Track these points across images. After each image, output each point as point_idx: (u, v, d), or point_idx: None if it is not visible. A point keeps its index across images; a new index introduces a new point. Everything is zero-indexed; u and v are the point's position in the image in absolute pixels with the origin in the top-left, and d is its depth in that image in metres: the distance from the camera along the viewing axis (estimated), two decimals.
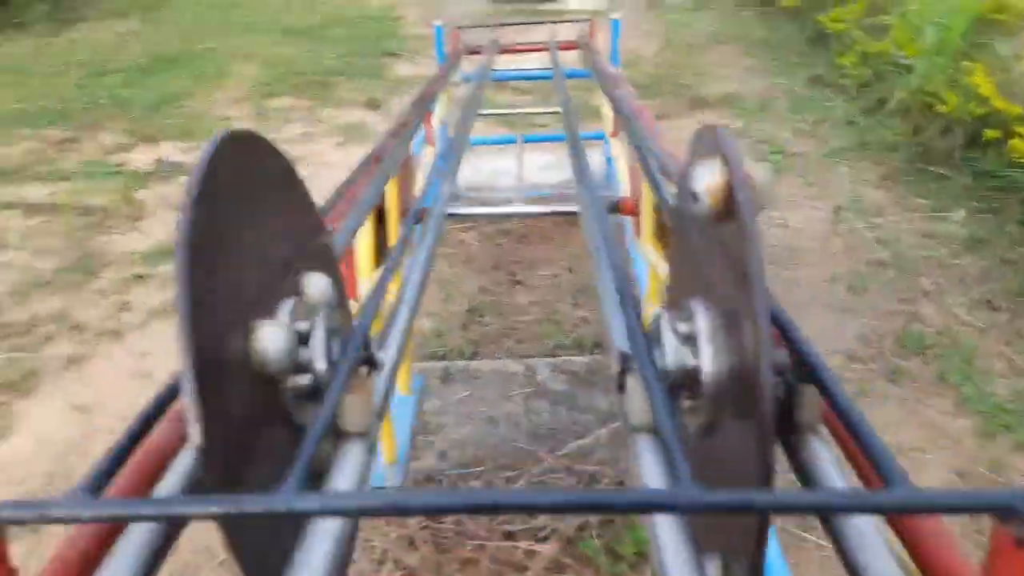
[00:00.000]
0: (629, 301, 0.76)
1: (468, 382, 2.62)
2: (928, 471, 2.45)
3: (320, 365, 0.60)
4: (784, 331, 0.67)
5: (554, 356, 2.86)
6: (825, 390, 0.57)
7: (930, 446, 2.54)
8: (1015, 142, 3.53)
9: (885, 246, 3.58)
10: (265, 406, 0.58)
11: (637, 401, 0.60)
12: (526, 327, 3.10)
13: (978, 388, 2.75)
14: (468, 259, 3.57)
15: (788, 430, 0.59)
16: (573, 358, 2.79)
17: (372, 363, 0.71)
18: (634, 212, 2.13)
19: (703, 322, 0.59)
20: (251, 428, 0.55)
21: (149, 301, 3.35)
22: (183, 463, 0.55)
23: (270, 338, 0.56)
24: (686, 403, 0.62)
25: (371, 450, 0.62)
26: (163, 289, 3.45)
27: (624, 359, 0.64)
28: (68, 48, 6.57)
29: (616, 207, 2.09)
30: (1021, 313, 3.10)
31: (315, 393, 0.60)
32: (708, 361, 0.58)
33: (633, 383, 0.61)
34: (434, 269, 3.42)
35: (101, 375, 2.90)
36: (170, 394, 0.60)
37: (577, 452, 2.34)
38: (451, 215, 1.87)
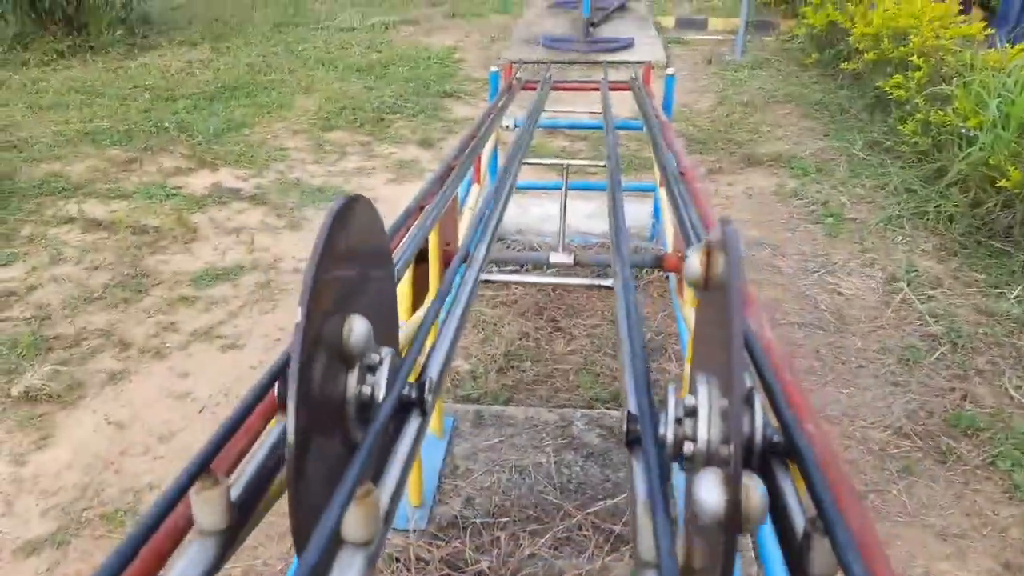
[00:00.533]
0: (642, 367, 0.81)
1: (500, 428, 2.59)
2: (972, 560, 2.34)
3: (380, 394, 0.73)
4: (777, 409, 0.71)
5: (590, 408, 2.82)
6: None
7: (975, 534, 2.43)
8: None
9: (939, 320, 3.48)
10: (333, 422, 0.70)
11: (646, 540, 0.61)
12: (563, 375, 3.07)
13: None
14: (510, 302, 3.56)
15: None
16: (609, 412, 2.74)
17: (422, 404, 0.80)
18: (676, 269, 2.10)
19: (703, 397, 0.64)
20: (323, 435, 0.67)
21: (193, 323, 3.39)
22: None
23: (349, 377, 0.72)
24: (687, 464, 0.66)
25: (372, 563, 0.61)
26: (208, 311, 3.50)
27: (631, 419, 0.71)
28: (139, 73, 6.79)
29: (660, 262, 2.06)
30: None
31: (367, 419, 0.73)
32: (702, 434, 0.63)
33: (644, 520, 0.61)
34: (476, 309, 3.42)
35: (140, 392, 2.93)
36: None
37: (606, 511, 2.28)
38: (485, 281, 1.86)
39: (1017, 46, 4.87)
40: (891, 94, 5.29)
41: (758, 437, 0.64)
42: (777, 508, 0.66)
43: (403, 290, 1.73)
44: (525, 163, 2.40)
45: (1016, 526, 2.44)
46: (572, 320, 3.43)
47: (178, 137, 5.46)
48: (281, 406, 0.68)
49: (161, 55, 7.35)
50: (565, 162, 2.66)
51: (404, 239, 1.43)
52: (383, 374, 0.74)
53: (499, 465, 2.40)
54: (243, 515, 0.67)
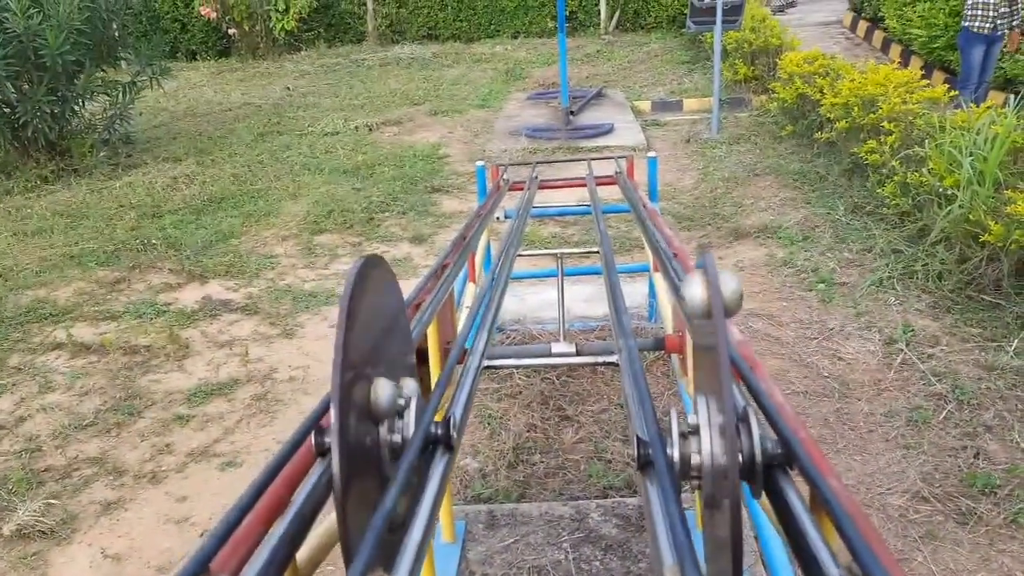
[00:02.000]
0: (647, 396, 0.87)
1: (515, 527, 2.51)
2: None
3: (408, 434, 0.81)
4: (772, 420, 0.77)
5: (604, 497, 2.75)
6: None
7: None
8: None
9: (942, 378, 3.46)
10: (370, 460, 0.78)
11: (667, 560, 0.62)
12: (574, 465, 3.00)
13: None
14: (515, 394, 3.51)
15: None
16: (625, 500, 2.67)
17: (448, 443, 0.87)
18: (679, 350, 2.08)
19: (703, 415, 0.69)
20: (360, 471, 0.75)
21: (189, 443, 3.32)
22: None
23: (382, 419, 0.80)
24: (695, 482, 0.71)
25: None
26: (203, 430, 3.43)
27: (640, 444, 0.76)
28: (124, 193, 6.85)
29: (661, 344, 2.04)
30: None
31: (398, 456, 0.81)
32: (705, 448, 0.68)
33: (664, 540, 0.63)
34: (481, 404, 3.37)
35: (137, 521, 2.84)
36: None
37: None
38: (488, 367, 1.84)
39: (982, 106, 5.00)
40: (866, 159, 5.40)
41: (758, 451, 0.69)
42: (786, 518, 0.70)
43: None
44: (520, 255, 2.40)
45: None
46: (579, 407, 3.38)
47: (166, 253, 5.47)
48: (320, 454, 0.82)
49: (146, 173, 7.44)
50: (559, 251, 2.67)
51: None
52: (411, 415, 0.83)
53: (516, 567, 2.32)
54: None
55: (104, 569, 2.62)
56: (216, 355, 4.10)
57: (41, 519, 2.82)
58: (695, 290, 0.68)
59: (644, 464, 0.76)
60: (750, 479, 0.71)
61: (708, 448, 0.68)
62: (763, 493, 0.73)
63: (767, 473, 0.73)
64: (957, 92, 6.20)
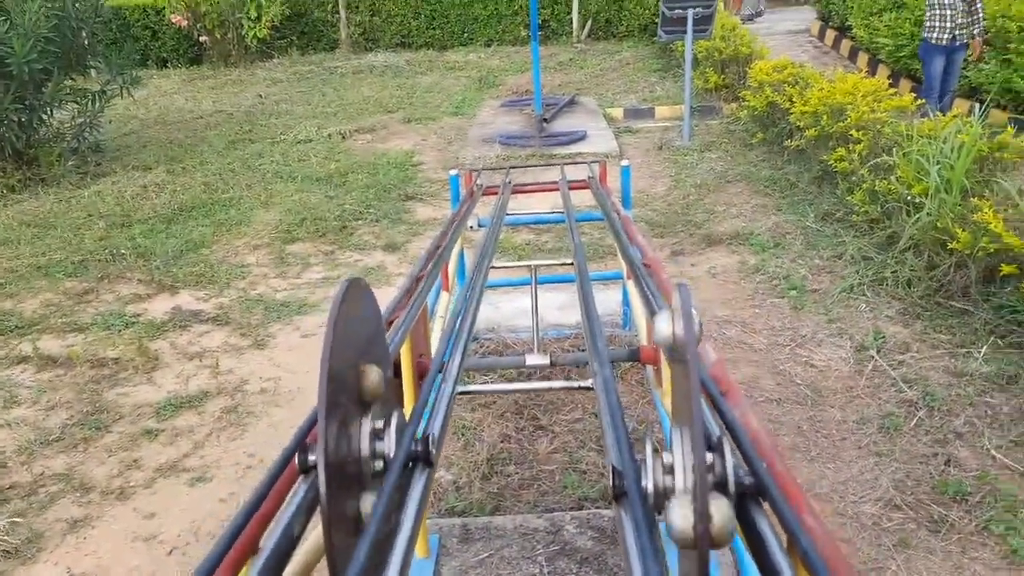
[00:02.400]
0: (621, 426, 0.89)
1: (489, 540, 2.50)
2: None
3: (390, 452, 0.84)
4: (744, 452, 0.78)
5: (579, 509, 2.74)
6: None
7: None
8: None
9: (912, 385, 3.49)
10: (357, 480, 0.81)
11: None
12: (549, 476, 2.99)
13: None
14: (489, 403, 3.50)
15: None
16: (600, 511, 2.67)
17: (428, 459, 0.90)
18: (653, 361, 2.08)
19: (677, 447, 0.69)
20: (345, 487, 0.78)
21: (157, 458, 3.27)
22: None
23: (363, 435, 0.83)
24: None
25: None
26: (172, 444, 3.38)
27: (616, 474, 0.78)
28: (92, 202, 6.75)
29: (636, 355, 2.04)
30: None
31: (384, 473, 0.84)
32: (679, 480, 0.68)
33: (637, 568, 0.63)
34: (456, 416, 3.35)
35: (105, 539, 2.79)
36: None
37: None
38: (463, 393, 1.82)
39: (948, 114, 5.07)
40: (836, 167, 5.46)
41: (731, 481, 0.71)
42: (757, 548, 0.72)
43: None
44: (493, 267, 2.39)
45: None
46: (553, 417, 3.37)
47: (135, 263, 5.39)
48: (304, 472, 0.85)
49: (115, 182, 7.34)
50: (533, 263, 2.66)
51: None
52: (391, 434, 0.86)
53: None
54: None
55: None
56: (186, 367, 4.04)
57: (5, 538, 2.76)
58: (664, 326, 0.70)
59: (619, 495, 0.77)
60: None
61: (681, 481, 0.68)
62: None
63: (740, 503, 0.74)
64: (923, 101, 6.30)
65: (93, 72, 8.49)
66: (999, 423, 3.20)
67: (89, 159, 7.96)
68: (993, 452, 3.03)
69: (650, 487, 0.71)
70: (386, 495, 0.75)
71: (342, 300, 0.79)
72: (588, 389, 1.79)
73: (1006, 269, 3.79)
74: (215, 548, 0.74)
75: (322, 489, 0.70)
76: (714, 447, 0.72)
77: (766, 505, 0.75)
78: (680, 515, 0.61)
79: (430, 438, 0.92)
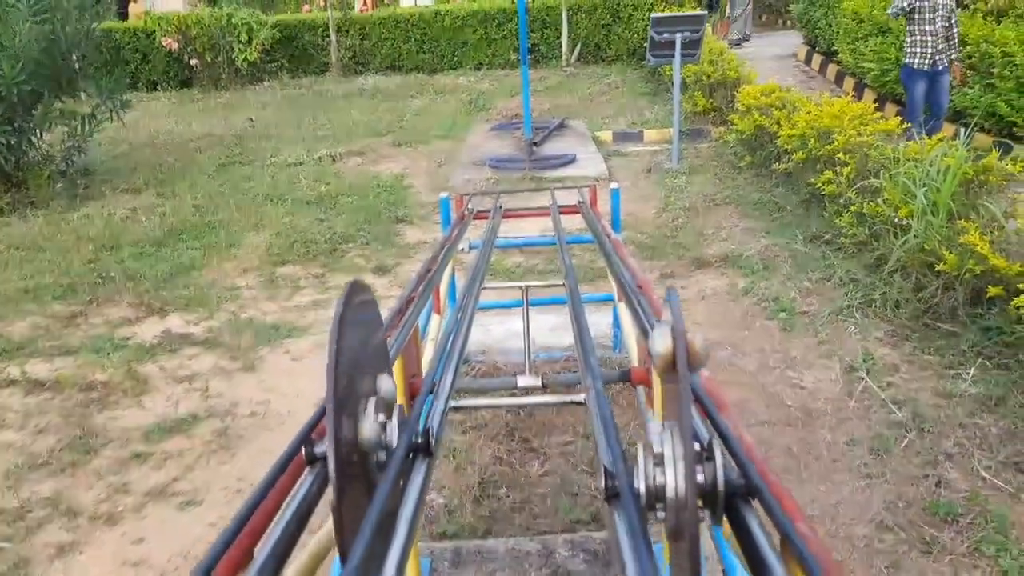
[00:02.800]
0: (614, 436, 0.90)
1: (481, 564, 2.48)
2: None
3: (393, 443, 0.88)
4: (735, 454, 0.81)
5: (572, 531, 2.73)
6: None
7: None
8: (1020, 300, 3.53)
9: (902, 406, 3.51)
10: (361, 469, 0.85)
11: None
12: (541, 499, 2.98)
13: (1016, 560, 2.61)
14: (480, 426, 3.49)
15: None
16: (592, 534, 2.66)
17: (428, 450, 0.95)
18: (645, 382, 2.09)
19: (668, 447, 0.71)
20: (353, 479, 0.82)
21: (146, 482, 3.24)
22: None
23: (368, 429, 0.86)
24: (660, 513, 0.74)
25: None
26: (162, 468, 3.35)
27: (607, 475, 0.78)
28: (81, 224, 6.74)
29: (627, 377, 2.05)
30: None
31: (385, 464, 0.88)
32: (670, 480, 0.70)
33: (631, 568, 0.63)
34: (447, 438, 3.34)
35: (92, 565, 2.76)
36: None
37: None
38: (456, 408, 1.82)
39: (934, 137, 5.14)
40: (823, 190, 5.51)
41: (720, 482, 0.73)
42: (748, 547, 0.73)
43: None
44: (485, 287, 2.40)
45: None
46: (544, 439, 3.37)
47: (124, 286, 5.37)
48: (310, 462, 0.90)
49: (104, 204, 7.33)
50: (524, 284, 2.67)
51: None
52: (394, 424, 0.91)
53: None
54: None
55: None
56: (175, 390, 4.02)
57: None
58: (660, 342, 0.72)
59: (611, 496, 0.78)
60: (712, 508, 0.74)
61: (672, 479, 0.70)
62: (728, 524, 0.77)
63: (730, 503, 0.76)
64: (908, 125, 6.37)
65: (83, 95, 8.50)
66: (988, 444, 3.21)
67: (78, 182, 7.95)
68: (983, 473, 3.04)
69: (642, 487, 0.73)
70: (389, 481, 0.78)
71: (346, 300, 0.84)
72: (580, 404, 1.80)
73: (993, 291, 3.83)
74: (220, 539, 0.75)
75: (331, 467, 0.75)
76: (704, 447, 0.74)
77: (756, 505, 0.76)
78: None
79: (431, 430, 0.97)
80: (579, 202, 3.35)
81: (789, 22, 16.84)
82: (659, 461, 0.73)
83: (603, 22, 14.22)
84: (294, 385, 3.99)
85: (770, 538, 0.72)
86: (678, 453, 0.69)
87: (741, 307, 4.66)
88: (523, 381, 2.10)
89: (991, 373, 3.69)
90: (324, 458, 0.88)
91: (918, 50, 7.00)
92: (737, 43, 14.95)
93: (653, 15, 7.76)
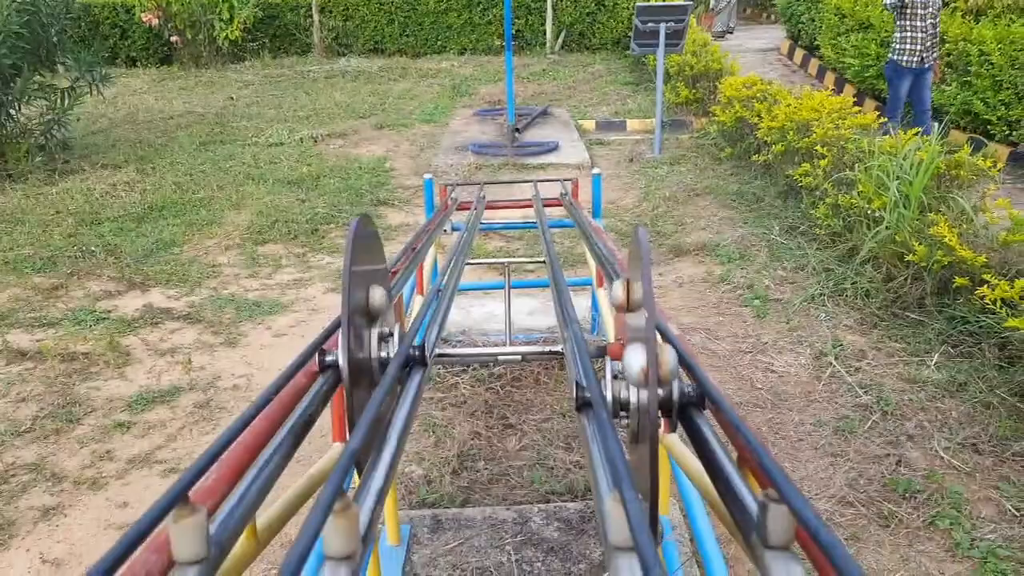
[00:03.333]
0: (584, 350, 1.05)
1: (459, 531, 2.57)
2: None
3: (393, 352, 1.07)
4: (688, 367, 0.91)
5: (546, 502, 2.82)
6: (794, 510, 0.63)
7: None
8: (984, 290, 3.66)
9: (868, 390, 3.63)
10: (367, 378, 1.05)
11: (617, 520, 0.64)
12: (517, 472, 3.07)
13: (968, 534, 2.73)
14: (460, 403, 3.57)
15: (763, 547, 0.63)
16: (566, 504, 2.75)
17: (423, 361, 1.11)
18: (620, 358, 2.17)
19: (629, 359, 0.81)
20: (359, 382, 1.00)
21: (130, 450, 3.29)
22: None
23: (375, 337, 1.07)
24: (624, 421, 0.86)
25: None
26: (145, 437, 3.40)
27: (579, 387, 0.89)
28: (61, 199, 6.71)
29: (603, 352, 2.13)
30: (1005, 457, 3.12)
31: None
32: (631, 388, 0.81)
33: (613, 506, 0.66)
34: (426, 413, 3.42)
35: (77, 527, 2.81)
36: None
37: None
38: (440, 355, 1.89)
39: (910, 132, 5.26)
40: (800, 182, 5.62)
41: (676, 393, 0.85)
42: (700, 446, 0.84)
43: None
44: (468, 263, 2.47)
45: None
46: (522, 416, 3.45)
47: (105, 260, 5.39)
48: (322, 368, 1.02)
49: (84, 179, 7.30)
50: (506, 261, 2.74)
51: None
52: (395, 339, 1.10)
53: (460, 569, 2.37)
54: (221, 550, 0.69)
55: (43, 575, 2.58)
56: (158, 363, 4.06)
57: None
58: (620, 287, 0.87)
59: (582, 405, 0.89)
60: (667, 414, 0.86)
61: (639, 391, 0.81)
62: (682, 428, 0.89)
63: (684, 411, 0.87)
64: (886, 120, 6.48)
65: (62, 69, 8.43)
66: (948, 427, 3.34)
67: (57, 156, 7.90)
68: (941, 453, 3.17)
69: (609, 397, 0.84)
70: (390, 377, 0.90)
71: (357, 229, 0.99)
72: (559, 355, 1.88)
73: (959, 281, 3.96)
74: (233, 424, 0.79)
75: (342, 360, 0.92)
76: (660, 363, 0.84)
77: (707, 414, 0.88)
78: (635, 358, 0.77)
79: (425, 344, 1.11)
80: (561, 194, 3.42)
81: (773, 16, 16.97)
82: (623, 378, 0.84)
83: (588, 10, 14.27)
84: (276, 360, 4.04)
85: (719, 438, 0.83)
86: (640, 365, 0.79)
87: (717, 294, 4.77)
88: (503, 350, 2.18)
89: (955, 360, 3.82)
90: (335, 365, 1.00)
91: (907, 46, 7.02)
92: (720, 35, 15.05)
93: (638, 4, 7.83)
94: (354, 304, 0.98)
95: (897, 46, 7.14)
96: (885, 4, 7.15)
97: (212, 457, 0.76)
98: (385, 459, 0.99)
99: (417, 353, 1.09)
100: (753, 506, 0.70)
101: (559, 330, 1.46)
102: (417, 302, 3.02)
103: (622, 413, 0.86)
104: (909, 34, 7.02)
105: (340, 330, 0.94)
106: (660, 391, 0.83)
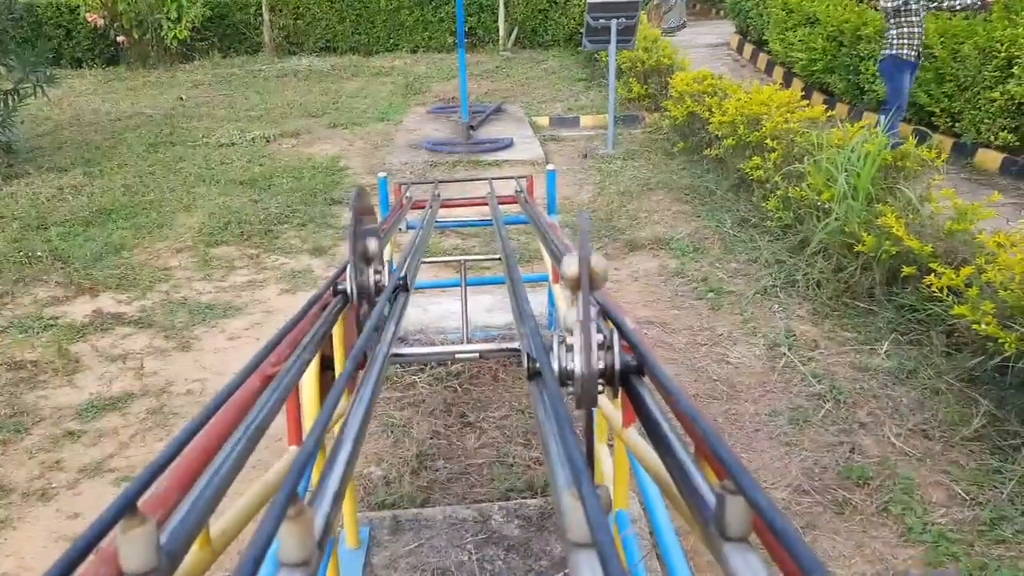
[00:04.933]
0: (531, 323, 1.18)
1: (419, 531, 2.56)
2: None
3: (385, 283, 1.61)
4: (628, 340, 0.99)
5: (506, 499, 2.82)
6: (753, 503, 0.64)
7: None
8: (931, 278, 3.75)
9: (821, 380, 3.70)
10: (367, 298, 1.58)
11: (576, 516, 0.65)
12: (477, 470, 3.06)
13: (920, 518, 2.80)
14: (418, 402, 3.55)
15: (721, 538, 0.64)
16: (526, 501, 2.75)
17: (406, 287, 1.62)
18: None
19: (576, 337, 0.91)
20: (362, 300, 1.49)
21: (80, 459, 3.22)
22: None
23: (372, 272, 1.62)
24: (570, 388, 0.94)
25: None
26: (96, 445, 3.32)
27: (531, 359, 0.99)
28: (5, 203, 6.52)
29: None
30: (954, 442, 3.20)
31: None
32: (577, 360, 0.90)
33: (571, 503, 0.66)
34: (384, 413, 3.39)
35: (26, 540, 2.74)
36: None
37: None
38: (396, 355, 1.88)
39: (856, 124, 5.36)
40: (752, 175, 5.70)
41: (617, 362, 0.95)
42: (640, 409, 0.93)
43: (310, 396, 1.73)
44: (424, 261, 2.46)
45: (915, 567, 2.58)
46: (481, 414, 3.45)
47: (52, 265, 5.25)
48: (335, 294, 1.47)
49: (29, 183, 7.10)
50: (463, 258, 2.74)
51: (306, 337, 1.31)
52: (385, 275, 1.62)
53: (421, 570, 2.36)
54: (172, 560, 0.67)
55: None
56: (109, 369, 3.97)
57: None
58: (569, 264, 0.93)
59: (533, 375, 1.00)
60: (610, 382, 0.95)
61: (580, 360, 0.90)
62: (624, 395, 0.99)
63: (625, 378, 0.96)
64: (886, 119, 6.42)
65: (4, 70, 8.20)
66: (899, 414, 3.42)
67: (1, 160, 7.68)
68: (893, 440, 3.24)
69: (556, 367, 0.93)
70: (385, 295, 1.39)
71: (358, 196, 1.52)
72: (516, 351, 1.89)
73: (907, 271, 4.05)
74: (185, 428, 0.78)
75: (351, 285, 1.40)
76: (604, 336, 0.95)
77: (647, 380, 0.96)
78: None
79: (407, 276, 1.63)
80: (517, 191, 3.42)
81: (722, 11, 17.17)
82: (569, 349, 0.93)
83: (540, 7, 14.30)
84: (230, 364, 3.98)
85: (659, 405, 0.91)
86: (582, 341, 0.90)
87: (672, 287, 4.81)
88: (461, 348, 2.17)
89: (904, 348, 3.91)
90: (345, 292, 1.45)
91: (906, 41, 6.94)
92: (671, 31, 15.19)
93: (589, 0, 7.86)
94: (359, 251, 1.43)
95: (895, 42, 7.02)
96: (884, 6, 7.09)
97: (163, 464, 0.74)
98: (341, 461, 0.98)
99: (401, 282, 1.52)
100: (710, 497, 0.70)
101: (515, 326, 1.48)
102: None
103: (568, 383, 0.93)
104: (907, 29, 6.94)
105: (348, 266, 1.40)
106: (601, 362, 0.93)
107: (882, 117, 6.61)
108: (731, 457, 0.67)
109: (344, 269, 1.47)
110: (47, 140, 8.83)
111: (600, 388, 0.96)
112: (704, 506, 0.72)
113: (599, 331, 0.95)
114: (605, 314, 1.12)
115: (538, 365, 0.96)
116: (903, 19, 6.99)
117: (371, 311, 1.26)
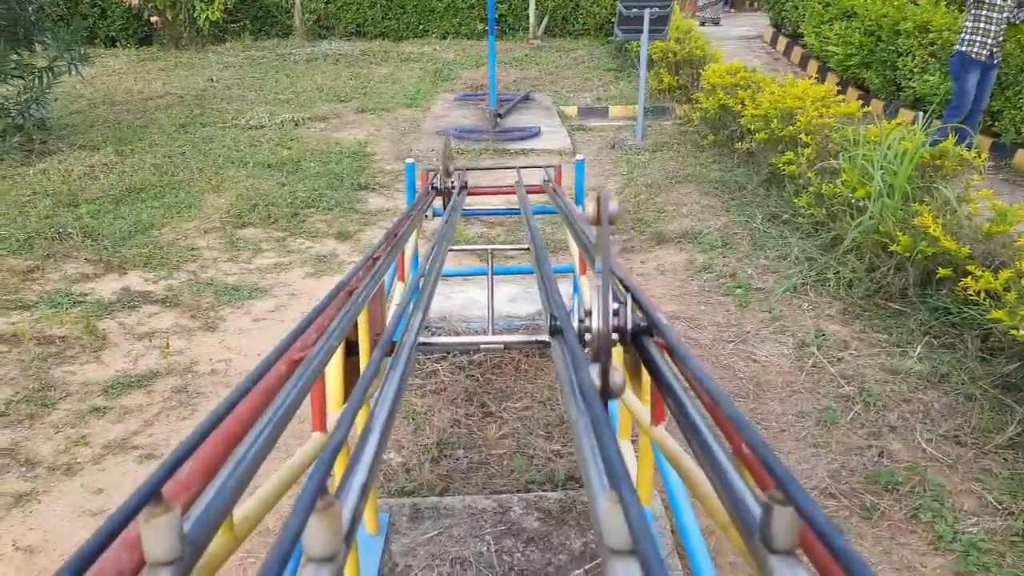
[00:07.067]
0: (553, 286, 1.26)
1: (438, 520, 2.54)
2: None
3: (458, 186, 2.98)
4: (640, 304, 1.11)
5: (526, 491, 2.79)
6: (800, 510, 0.60)
7: None
8: (968, 281, 3.66)
9: (850, 381, 3.63)
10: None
11: (616, 521, 0.59)
12: (497, 461, 3.04)
13: (951, 526, 2.74)
14: (439, 390, 3.54)
15: (768, 551, 0.60)
16: (546, 493, 2.73)
17: (462, 189, 2.95)
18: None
19: (594, 300, 0.99)
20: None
21: (106, 435, 3.24)
22: None
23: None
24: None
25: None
26: (121, 422, 3.34)
27: (553, 317, 1.09)
28: (38, 180, 6.59)
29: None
30: (987, 450, 3.13)
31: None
32: (594, 318, 0.99)
33: (609, 507, 0.60)
34: (405, 400, 3.38)
35: (51, 513, 2.76)
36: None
37: None
38: (423, 344, 1.86)
39: (892, 121, 5.26)
40: (784, 170, 5.61)
41: (629, 323, 1.07)
42: (650, 364, 1.02)
43: (335, 382, 1.71)
44: (451, 249, 2.45)
45: None
46: (502, 404, 3.43)
47: (82, 243, 5.29)
48: (435, 191, 2.90)
49: (61, 160, 7.17)
50: (489, 247, 2.71)
51: (332, 323, 1.31)
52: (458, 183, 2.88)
53: (439, 559, 2.34)
54: (196, 547, 0.66)
55: (16, 562, 2.53)
56: (135, 347, 3.99)
57: None
58: (590, 205, 1.01)
59: (555, 331, 1.09)
60: (623, 339, 1.06)
61: (597, 320, 0.99)
62: (635, 352, 1.08)
63: (636, 338, 1.07)
64: (954, 122, 6.19)
65: (39, 48, 8.27)
66: (930, 418, 3.35)
67: (34, 136, 7.75)
68: (924, 445, 3.17)
69: (576, 325, 1.05)
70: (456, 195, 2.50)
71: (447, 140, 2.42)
72: (541, 343, 1.85)
73: (942, 272, 3.96)
74: (210, 415, 0.79)
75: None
76: (619, 301, 1.06)
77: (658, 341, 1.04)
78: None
79: (464, 184, 2.96)
80: (544, 180, 3.38)
81: (757, 3, 16.95)
82: (588, 313, 1.02)
83: None
84: (255, 345, 3.99)
85: (669, 364, 1.00)
86: (601, 304, 0.99)
87: (699, 282, 4.75)
88: (486, 340, 2.14)
89: (937, 351, 3.83)
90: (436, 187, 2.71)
91: (979, 38, 6.59)
92: (704, 23, 15.02)
93: None
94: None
95: (967, 36, 6.68)
96: None
97: (189, 449, 0.72)
98: (368, 453, 0.96)
99: (457, 184, 1.81)
100: (754, 506, 0.67)
101: (544, 315, 1.44)
102: (398, 288, 2.98)
103: (587, 339, 1.02)
104: (983, 25, 6.57)
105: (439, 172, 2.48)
106: (615, 319, 1.04)
107: (956, 121, 6.33)
108: (776, 462, 0.64)
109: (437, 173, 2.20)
110: (79, 118, 8.91)
111: (614, 341, 1.04)
112: (746, 513, 0.68)
113: (615, 299, 1.05)
114: (622, 283, 1.23)
115: (558, 322, 1.06)
116: (982, 12, 6.57)
117: (446, 203, 1.66)
